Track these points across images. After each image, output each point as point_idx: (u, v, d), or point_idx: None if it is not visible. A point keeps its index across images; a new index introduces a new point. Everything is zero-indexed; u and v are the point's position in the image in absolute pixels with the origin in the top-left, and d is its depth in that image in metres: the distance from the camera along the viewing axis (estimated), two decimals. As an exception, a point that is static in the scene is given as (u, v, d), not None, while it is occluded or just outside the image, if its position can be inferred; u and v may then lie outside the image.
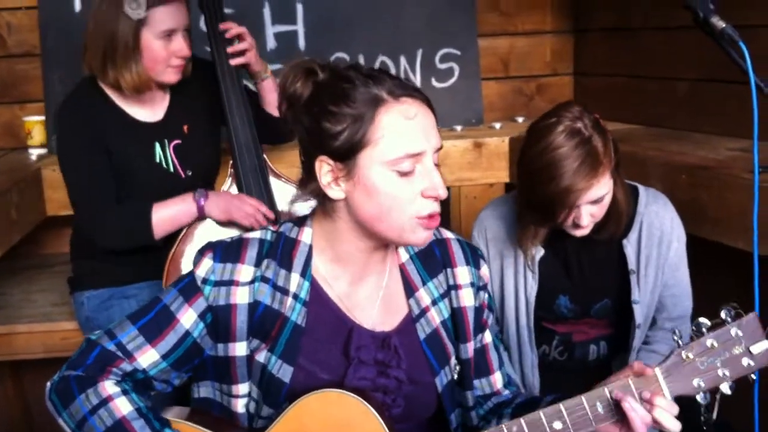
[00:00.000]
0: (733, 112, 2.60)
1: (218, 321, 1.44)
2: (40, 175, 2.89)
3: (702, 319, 1.39)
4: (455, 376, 1.58)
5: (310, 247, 1.48)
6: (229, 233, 2.27)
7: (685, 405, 1.43)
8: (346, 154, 1.38)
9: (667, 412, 1.38)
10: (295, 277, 1.46)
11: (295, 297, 1.45)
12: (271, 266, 1.45)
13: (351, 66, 1.44)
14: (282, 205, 2.46)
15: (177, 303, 1.44)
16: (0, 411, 3.11)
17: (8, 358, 2.72)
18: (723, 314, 1.39)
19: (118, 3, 2.17)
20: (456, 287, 1.57)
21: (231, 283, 1.43)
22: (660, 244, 2.01)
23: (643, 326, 2.05)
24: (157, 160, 2.35)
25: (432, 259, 1.58)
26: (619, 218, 1.95)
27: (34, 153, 3.11)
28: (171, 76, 2.29)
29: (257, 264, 1.45)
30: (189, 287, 1.45)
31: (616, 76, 3.33)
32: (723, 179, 2.16)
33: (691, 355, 1.38)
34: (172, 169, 2.37)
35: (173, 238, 2.31)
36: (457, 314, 1.57)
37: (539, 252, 2.01)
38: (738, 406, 1.50)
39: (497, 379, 1.66)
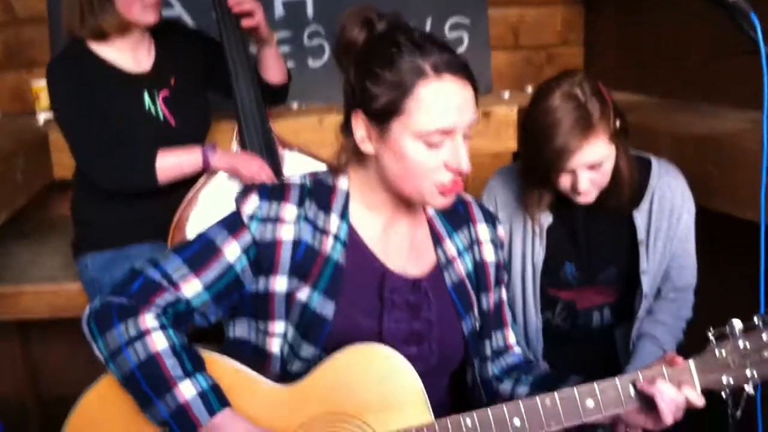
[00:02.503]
0: (744, 84, 2.57)
1: (262, 256, 1.46)
2: (48, 138, 2.88)
3: (735, 321, 1.43)
4: (477, 327, 1.61)
5: (347, 193, 1.52)
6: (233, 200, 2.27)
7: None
8: (381, 118, 1.42)
9: (693, 402, 1.41)
10: (335, 219, 1.50)
11: (336, 237, 1.49)
12: (312, 207, 1.49)
13: (405, 30, 1.45)
14: (286, 170, 2.46)
15: (221, 237, 1.47)
16: (6, 370, 3.16)
17: (15, 317, 2.74)
18: (756, 320, 1.43)
19: None
20: (478, 242, 1.64)
21: (277, 220, 1.47)
22: (671, 216, 2.02)
23: (649, 296, 2.07)
24: (147, 108, 2.37)
25: (456, 215, 1.64)
26: (623, 188, 1.95)
27: (42, 117, 3.09)
28: (150, 17, 2.32)
29: (300, 204, 1.48)
30: (234, 223, 1.48)
31: (626, 47, 3.29)
32: (732, 151, 2.15)
33: (724, 353, 1.43)
34: (162, 118, 2.39)
35: (176, 202, 2.31)
36: (479, 267, 1.63)
37: (547, 219, 2.02)
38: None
39: (510, 334, 1.72)
